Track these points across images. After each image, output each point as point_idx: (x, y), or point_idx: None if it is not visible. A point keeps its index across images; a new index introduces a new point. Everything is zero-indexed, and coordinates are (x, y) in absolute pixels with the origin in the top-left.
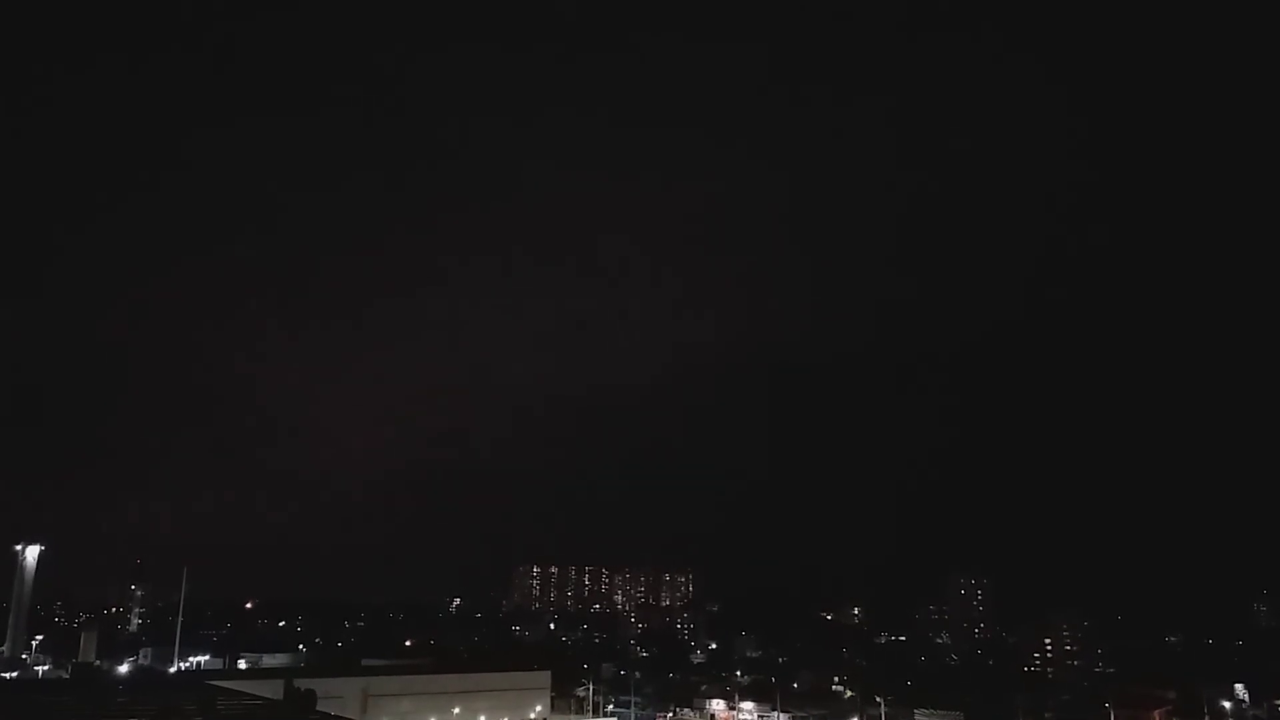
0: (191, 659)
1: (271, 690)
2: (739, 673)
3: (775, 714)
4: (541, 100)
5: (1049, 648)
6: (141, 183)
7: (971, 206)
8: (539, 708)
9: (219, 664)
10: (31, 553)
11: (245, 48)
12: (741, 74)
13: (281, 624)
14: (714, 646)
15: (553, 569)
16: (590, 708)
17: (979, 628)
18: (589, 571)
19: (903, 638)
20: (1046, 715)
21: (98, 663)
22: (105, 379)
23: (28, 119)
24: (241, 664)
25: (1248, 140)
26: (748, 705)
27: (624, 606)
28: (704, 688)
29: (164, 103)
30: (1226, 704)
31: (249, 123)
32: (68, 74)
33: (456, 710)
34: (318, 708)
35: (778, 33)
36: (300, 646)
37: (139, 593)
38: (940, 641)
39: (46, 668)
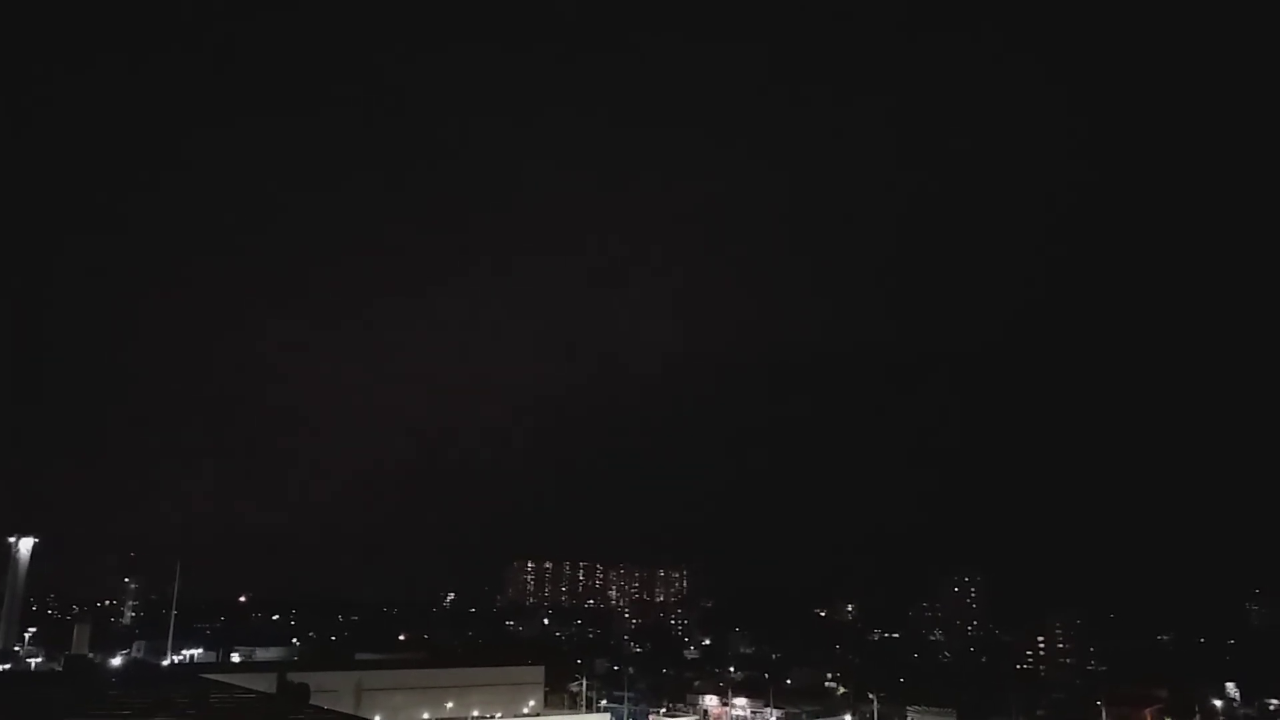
0: (185, 652)
1: (265, 683)
2: (732, 669)
3: (768, 710)
4: (541, 100)
5: (1042, 646)
6: (141, 183)
7: (972, 206)
8: (532, 702)
9: (212, 657)
10: (25, 545)
11: (245, 48)
12: (741, 74)
13: (275, 618)
14: (708, 643)
15: (547, 564)
16: (583, 703)
17: (972, 625)
18: (583, 567)
19: (896, 635)
20: (1039, 713)
21: (91, 655)
22: (104, 375)
23: (28, 119)
24: (235, 657)
25: (1248, 140)
26: (741, 701)
27: (618, 602)
28: (697, 684)
29: (164, 103)
30: (1218, 703)
31: (249, 123)
32: (67, 74)
33: (450, 704)
34: (311, 701)
35: (778, 33)
36: (294, 641)
37: (132, 586)
38: (933, 639)
39: (39, 660)
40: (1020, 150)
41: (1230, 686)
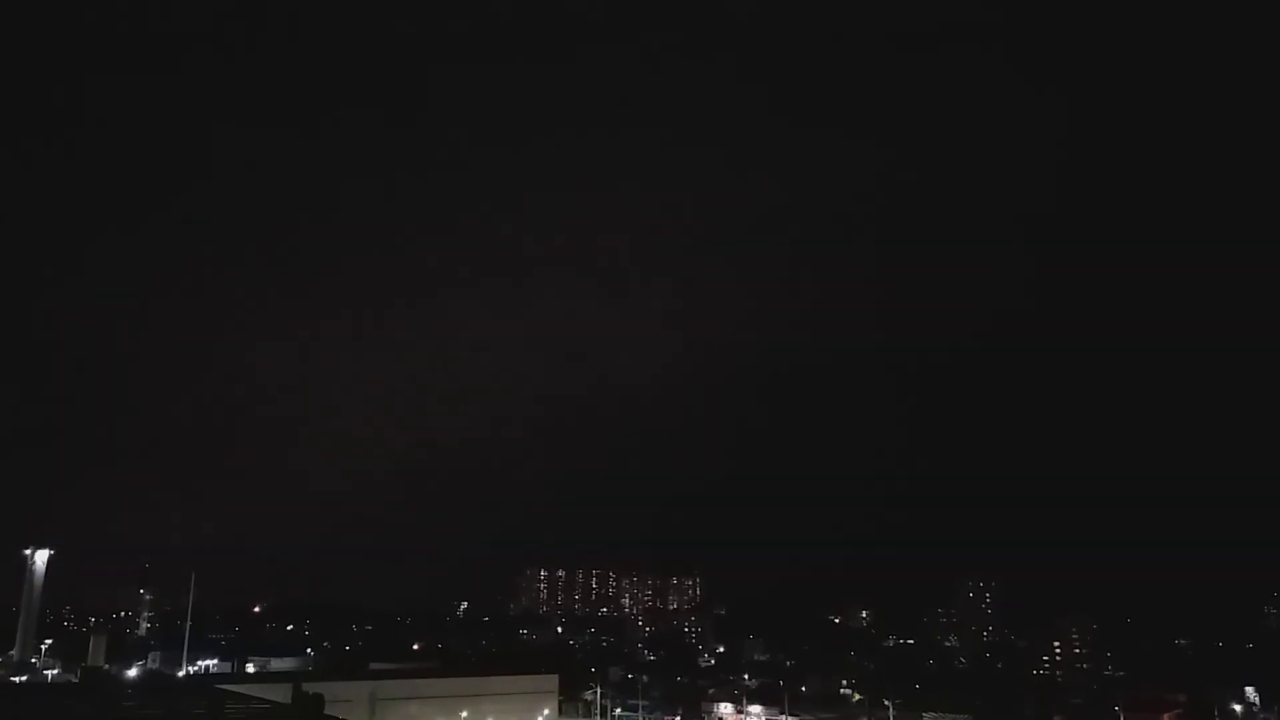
0: (199, 663)
1: (279, 694)
2: (746, 676)
3: (783, 717)
4: (545, 102)
5: (1058, 651)
6: (145, 186)
7: (972, 205)
8: (546, 711)
9: (227, 668)
10: (41, 557)
11: (250, 55)
12: (744, 77)
13: (289, 628)
14: (721, 650)
15: (560, 572)
16: (598, 711)
17: (987, 631)
18: (596, 575)
19: (911, 641)
20: (1056, 718)
21: (106, 666)
22: (114, 382)
23: (33, 127)
24: (249, 668)
25: (1247, 139)
26: (755, 709)
27: (631, 610)
28: (711, 691)
29: (173, 107)
30: (1237, 707)
31: (259, 124)
32: (81, 75)
33: (464, 714)
34: (325, 711)
35: (773, 46)
36: (308, 650)
37: (147, 597)
38: (949, 644)
39: (56, 671)
40: (1018, 149)
41: (1250, 691)
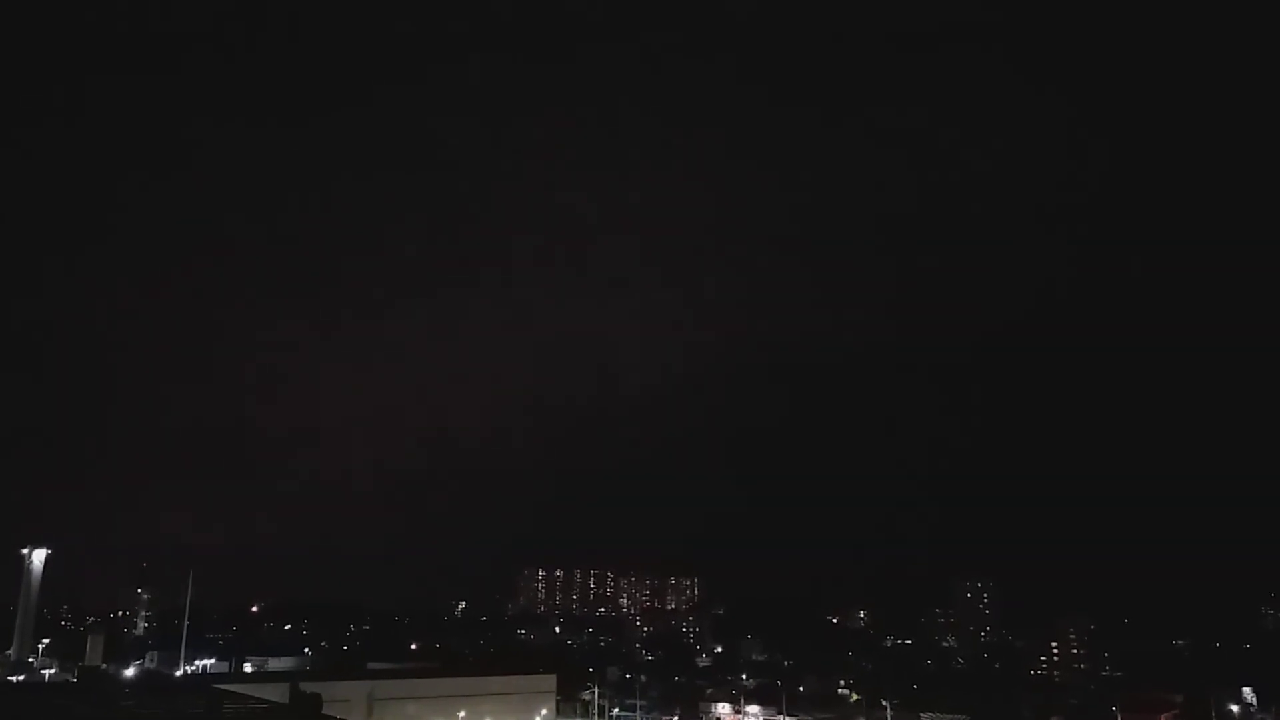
0: (197, 662)
1: (277, 694)
2: (744, 676)
3: (781, 717)
4: (545, 105)
5: (1055, 651)
6: (148, 183)
7: (978, 207)
8: (544, 711)
9: (224, 667)
10: (38, 556)
11: (251, 49)
12: (746, 77)
13: (287, 628)
14: (719, 650)
15: (558, 572)
16: (595, 711)
17: (985, 631)
18: (594, 575)
19: (909, 641)
20: (1053, 719)
21: (104, 666)
22: (113, 382)
23: (33, 127)
24: (247, 667)
25: (1249, 138)
26: (753, 709)
27: (629, 610)
28: (709, 691)
29: (175, 103)
30: (1234, 708)
31: (258, 123)
32: (81, 74)
33: (462, 714)
34: (323, 711)
35: (782, 46)
36: (306, 650)
37: (145, 596)
38: (946, 645)
39: (53, 671)
40: (1024, 148)
41: (1247, 691)
